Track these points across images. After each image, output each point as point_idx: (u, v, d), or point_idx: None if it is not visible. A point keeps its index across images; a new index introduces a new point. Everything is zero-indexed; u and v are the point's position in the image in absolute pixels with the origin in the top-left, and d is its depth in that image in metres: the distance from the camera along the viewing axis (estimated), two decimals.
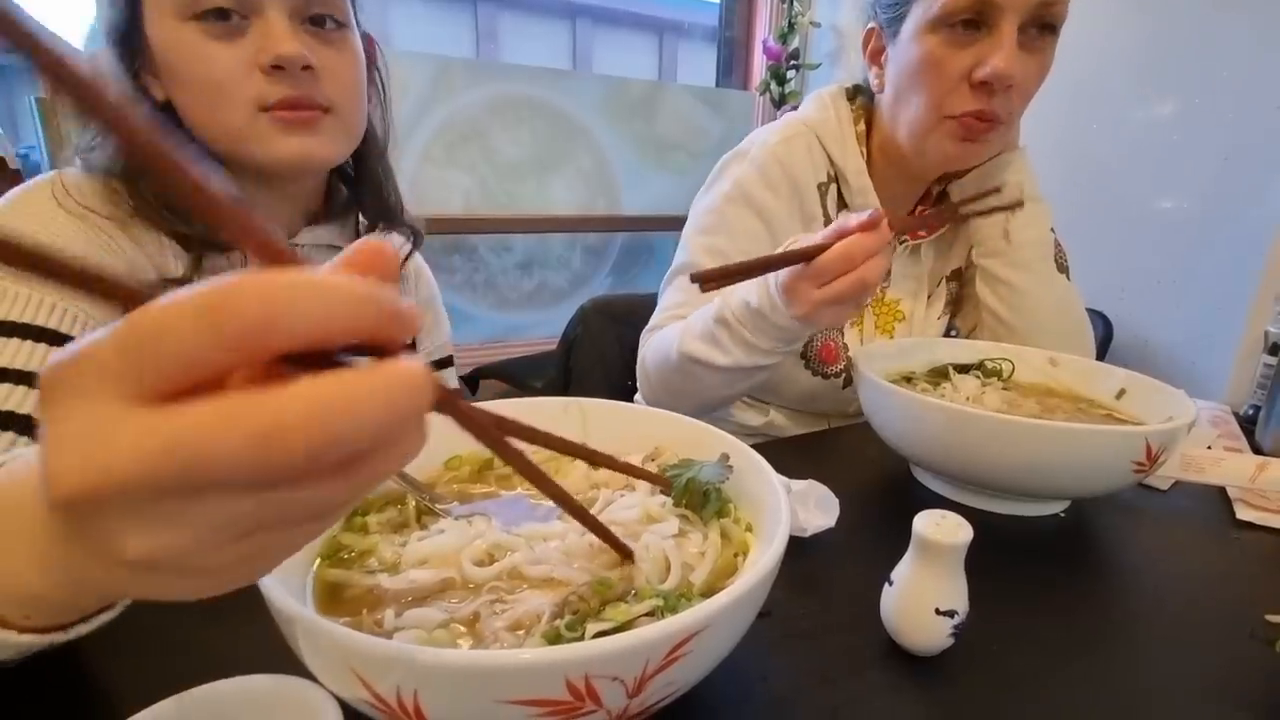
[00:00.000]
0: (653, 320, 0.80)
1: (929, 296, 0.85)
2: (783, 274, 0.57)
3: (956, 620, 0.37)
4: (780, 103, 2.13)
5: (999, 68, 0.64)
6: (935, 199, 0.83)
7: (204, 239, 0.53)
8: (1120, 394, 0.63)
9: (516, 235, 1.94)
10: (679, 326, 0.71)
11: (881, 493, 0.62)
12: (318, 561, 0.34)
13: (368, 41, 0.60)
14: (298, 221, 0.61)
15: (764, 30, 2.23)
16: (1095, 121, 1.47)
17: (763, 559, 0.28)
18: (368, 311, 0.16)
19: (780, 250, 0.57)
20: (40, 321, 0.46)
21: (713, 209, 0.78)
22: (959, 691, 0.37)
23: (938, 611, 0.36)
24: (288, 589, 0.28)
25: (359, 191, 0.65)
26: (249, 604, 0.26)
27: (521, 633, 0.29)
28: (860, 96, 0.81)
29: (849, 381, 0.80)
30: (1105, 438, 0.48)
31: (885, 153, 0.78)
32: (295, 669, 0.26)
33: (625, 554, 0.33)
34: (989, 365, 0.69)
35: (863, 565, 0.47)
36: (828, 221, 0.79)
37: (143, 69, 0.51)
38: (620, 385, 1.10)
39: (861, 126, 0.79)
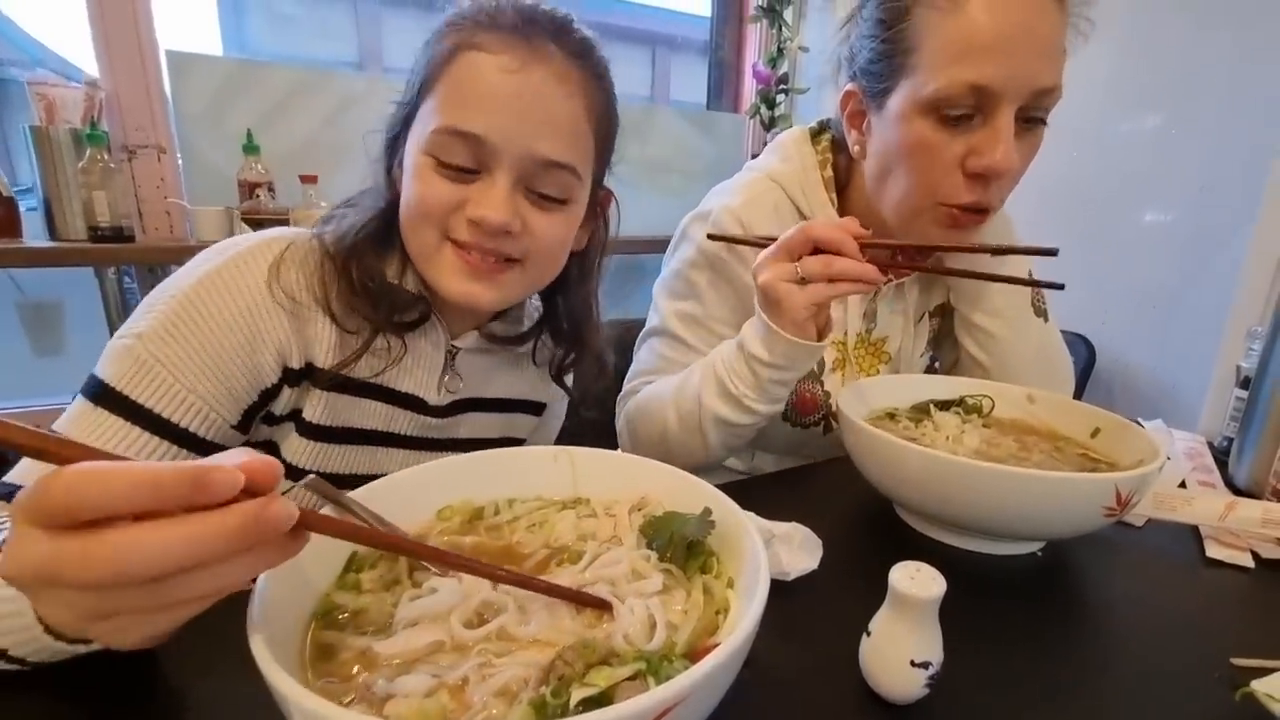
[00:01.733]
0: (627, 386, 0.81)
1: (915, 329, 0.86)
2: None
3: (931, 671, 0.38)
4: (770, 126, 2.17)
5: (998, 162, 0.62)
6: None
7: (378, 327, 0.57)
8: (1095, 432, 0.65)
9: None
10: (669, 385, 0.73)
11: (864, 532, 0.63)
12: (313, 624, 0.34)
13: (604, 196, 0.64)
14: (469, 324, 0.64)
15: (754, 54, 2.27)
16: (1076, 146, 1.50)
17: (740, 625, 0.30)
18: (143, 493, 0.23)
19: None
20: (170, 415, 0.50)
21: (679, 274, 0.79)
22: None
23: (913, 664, 0.38)
24: (285, 649, 0.29)
25: (554, 320, 0.68)
26: (242, 659, 0.27)
27: (509, 699, 0.30)
28: (826, 134, 0.80)
29: (829, 429, 0.82)
30: (1076, 485, 0.50)
31: (862, 205, 0.76)
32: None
33: (603, 607, 0.35)
34: (969, 402, 0.71)
35: (843, 611, 0.48)
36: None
37: (396, 165, 0.58)
38: (612, 408, 1.12)
39: (829, 173, 0.78)
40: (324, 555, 0.38)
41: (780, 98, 2.18)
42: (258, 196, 1.35)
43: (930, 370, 0.92)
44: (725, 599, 0.37)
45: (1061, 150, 1.52)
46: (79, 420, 0.48)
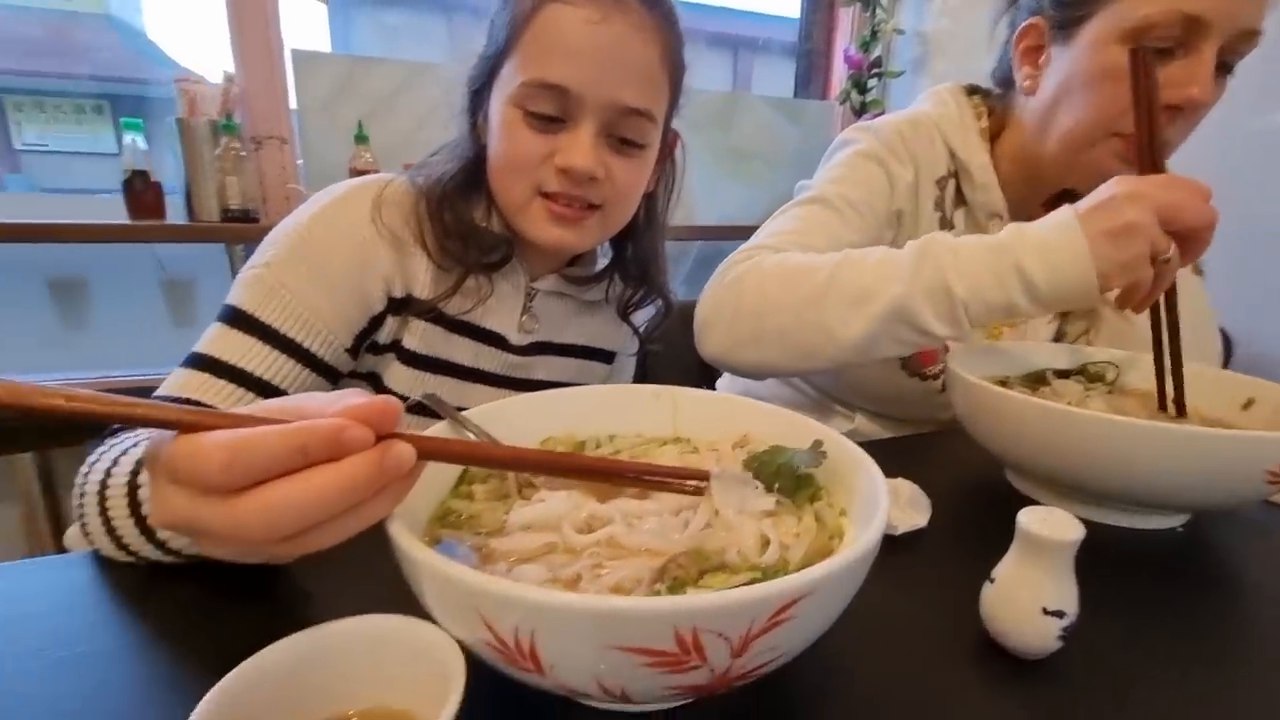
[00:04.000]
0: (758, 240, 0.71)
1: None
2: (1126, 179, 0.53)
3: (1066, 621, 0.35)
4: (861, 111, 2.10)
5: (1196, 95, 0.59)
6: (1060, 195, 0.79)
7: (468, 268, 0.60)
8: (1249, 404, 0.59)
9: None
10: (831, 255, 0.61)
11: (976, 497, 0.59)
12: (428, 525, 0.36)
13: (672, 136, 0.66)
14: (548, 268, 0.68)
15: (845, 39, 2.20)
16: (1216, 134, 1.36)
17: (866, 533, 0.28)
18: (294, 459, 0.24)
19: None
20: (294, 335, 0.54)
21: (842, 163, 0.76)
22: (1063, 695, 0.35)
23: (1045, 611, 0.35)
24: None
25: (623, 258, 0.71)
26: (364, 555, 0.29)
27: (623, 595, 0.30)
28: (977, 95, 0.78)
29: (946, 386, 0.77)
30: (1238, 443, 0.44)
31: (1017, 156, 0.74)
32: (410, 613, 0.28)
33: (702, 476, 0.36)
34: (1092, 370, 0.66)
35: (958, 564, 0.45)
36: (943, 219, 0.76)
37: (480, 118, 0.61)
38: (677, 340, 1.11)
39: (985, 123, 0.76)
40: (441, 467, 0.39)
41: (873, 82, 2.10)
42: None
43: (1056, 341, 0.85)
44: (839, 525, 0.36)
45: (1198, 132, 1.39)
46: (217, 340, 0.52)
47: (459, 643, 0.27)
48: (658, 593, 0.29)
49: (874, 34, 2.07)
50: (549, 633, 0.24)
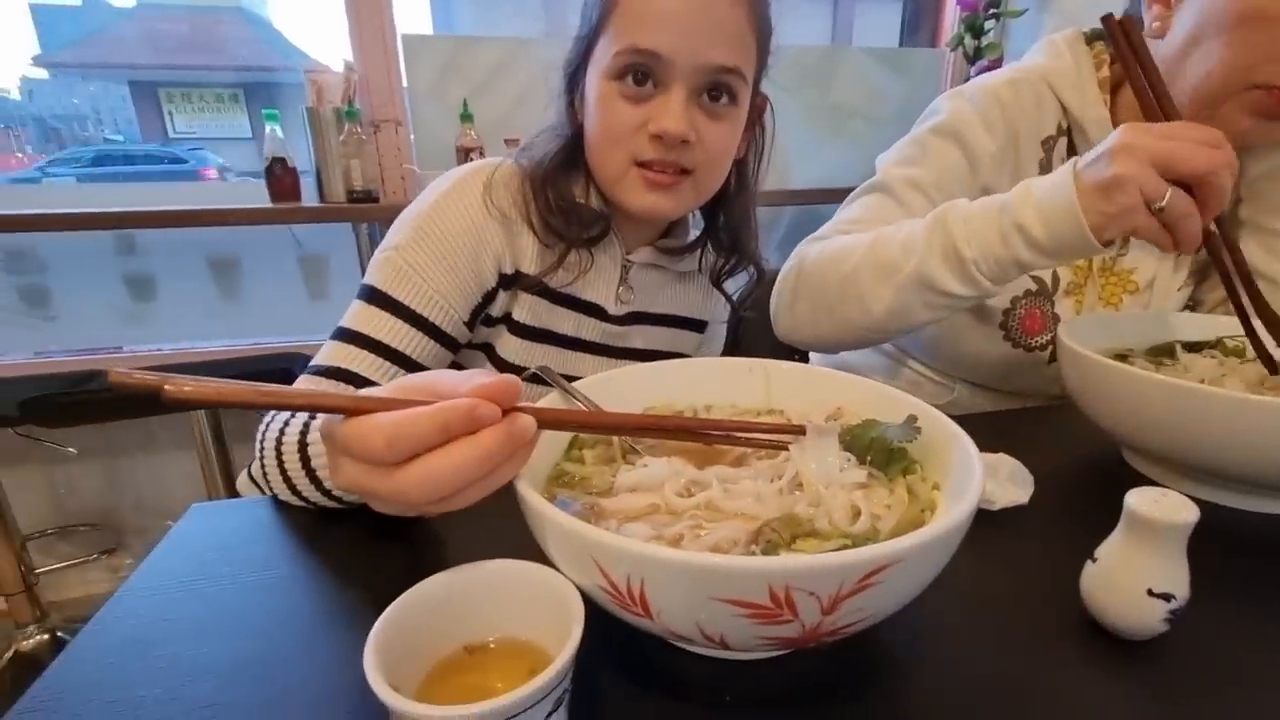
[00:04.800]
0: (820, 232, 0.75)
1: (1175, 259, 0.74)
2: (1122, 129, 0.51)
3: (1174, 605, 0.35)
4: (975, 57, 1.94)
5: None
6: None
7: (570, 243, 0.65)
8: None
9: None
10: (867, 235, 0.64)
11: (1084, 475, 0.57)
12: (546, 484, 0.40)
13: (761, 100, 0.68)
14: (642, 240, 0.71)
15: None
16: None
17: (957, 506, 0.29)
18: (438, 434, 0.29)
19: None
20: (423, 311, 0.60)
21: (916, 140, 0.74)
22: (1167, 677, 0.35)
23: (1151, 593, 0.34)
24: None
25: (714, 227, 0.73)
26: (497, 510, 0.33)
27: (720, 555, 0.33)
28: (1100, 42, 0.72)
29: (1055, 356, 0.74)
30: None
31: (1136, 106, 0.68)
32: (533, 557, 0.33)
33: (797, 430, 0.39)
34: (1229, 344, 0.60)
35: (1060, 542, 0.45)
36: None
37: (577, 98, 0.64)
38: (787, 358, 1.11)
39: (1106, 73, 0.70)
40: (554, 434, 0.43)
41: (990, 24, 1.93)
42: (471, 160, 1.52)
43: (1186, 310, 0.79)
44: (931, 499, 0.37)
45: None
46: (359, 316, 0.60)
47: (579, 589, 0.31)
48: (753, 553, 0.32)
49: None
50: (657, 582, 0.28)
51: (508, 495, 0.32)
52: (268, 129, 1.48)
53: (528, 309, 0.67)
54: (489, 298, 0.65)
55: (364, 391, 0.32)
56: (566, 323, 0.69)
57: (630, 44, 0.56)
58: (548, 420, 0.33)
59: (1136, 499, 0.35)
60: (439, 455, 0.29)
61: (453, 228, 0.61)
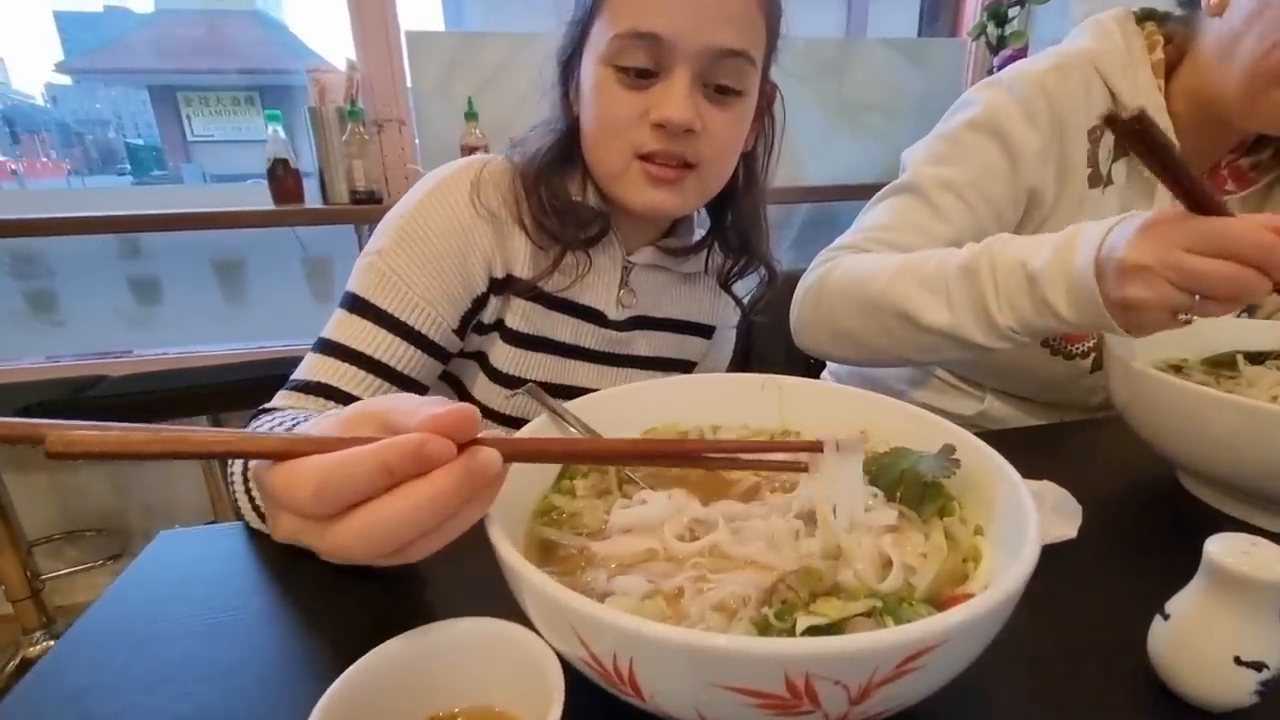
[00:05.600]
0: (844, 239, 0.70)
1: None
2: (1152, 215, 0.45)
3: (1265, 675, 0.29)
4: (998, 47, 1.86)
5: None
6: (1251, 145, 0.66)
7: (566, 245, 0.60)
8: None
9: None
10: (894, 259, 0.61)
11: (1138, 504, 0.51)
12: (531, 520, 0.36)
13: (770, 88, 0.63)
14: (643, 240, 0.66)
15: None
16: None
17: (1014, 567, 0.24)
18: (379, 480, 0.24)
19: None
20: (408, 319, 0.56)
21: (949, 135, 0.68)
22: None
23: (1239, 661, 0.29)
24: (514, 541, 0.30)
25: (721, 226, 0.68)
26: (474, 550, 0.29)
27: (728, 615, 0.28)
28: (1151, 22, 0.66)
29: (1099, 365, 0.68)
30: None
31: (1197, 93, 0.62)
32: (514, 611, 0.28)
33: (814, 448, 0.33)
34: None
35: (1118, 588, 0.39)
36: (1095, 174, 0.65)
37: (572, 89, 0.60)
38: (802, 361, 1.06)
39: (1160, 55, 0.64)
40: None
41: (1014, 10, 1.85)
42: None
43: (1243, 315, 0.72)
44: (974, 547, 0.32)
45: None
46: (340, 326, 0.55)
47: (560, 656, 0.26)
48: (765, 617, 0.27)
49: None
50: (649, 662, 0.23)
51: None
52: (269, 130, 1.45)
53: (522, 315, 0.62)
54: (479, 304, 0.61)
55: (301, 429, 0.28)
56: (564, 329, 0.65)
57: (629, 26, 0.52)
58: (516, 453, 0.28)
59: (1221, 548, 0.30)
60: (382, 504, 0.25)
61: (438, 229, 0.57)
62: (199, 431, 0.25)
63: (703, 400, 0.45)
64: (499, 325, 0.63)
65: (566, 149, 0.60)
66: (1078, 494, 0.46)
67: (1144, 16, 0.66)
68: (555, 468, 0.39)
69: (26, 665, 1.47)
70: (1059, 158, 0.65)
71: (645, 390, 0.45)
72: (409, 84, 1.57)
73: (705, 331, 0.75)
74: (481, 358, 0.65)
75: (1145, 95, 0.63)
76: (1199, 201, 0.44)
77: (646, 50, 0.52)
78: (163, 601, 0.41)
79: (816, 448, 0.33)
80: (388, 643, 0.27)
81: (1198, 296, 0.43)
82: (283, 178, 1.47)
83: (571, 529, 0.35)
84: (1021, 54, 1.81)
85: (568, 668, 0.26)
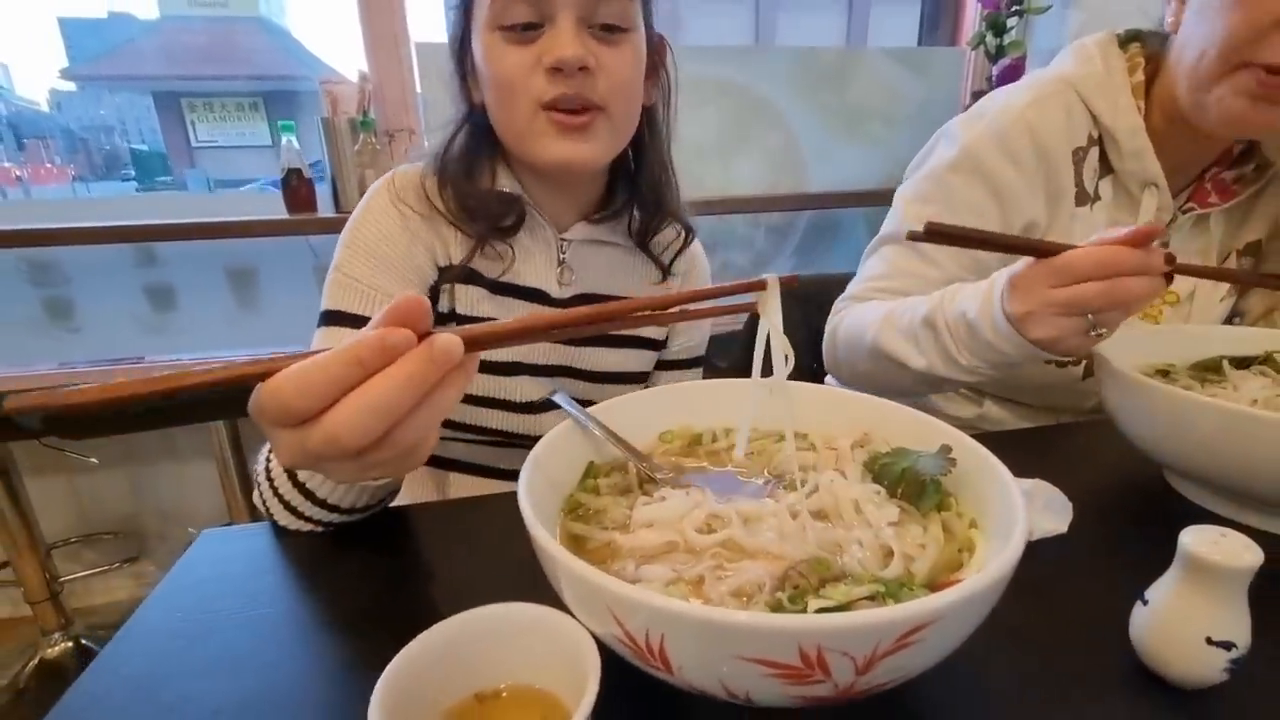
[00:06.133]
0: (851, 289, 0.76)
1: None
2: (1016, 267, 0.52)
3: (1235, 654, 0.32)
4: (997, 56, 1.89)
5: None
6: (1236, 159, 0.69)
7: (481, 235, 0.62)
8: None
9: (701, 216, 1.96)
10: (880, 311, 0.67)
11: (1126, 501, 0.54)
12: (561, 516, 0.39)
13: (659, 42, 0.65)
14: (573, 216, 0.68)
15: None
16: None
17: (1003, 553, 0.27)
18: (352, 371, 0.28)
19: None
20: (369, 314, 0.58)
21: (933, 175, 0.71)
22: None
23: (1210, 641, 0.32)
24: (548, 532, 0.33)
25: (636, 188, 0.69)
26: (513, 546, 0.31)
27: (745, 600, 0.31)
28: (1136, 43, 0.69)
29: (1089, 372, 0.71)
30: None
31: (1170, 106, 0.66)
32: (545, 597, 0.31)
33: (758, 287, 0.38)
34: (1279, 359, 0.57)
35: (1104, 578, 0.42)
36: (1082, 193, 0.69)
37: (469, 74, 0.62)
38: (806, 367, 1.09)
39: (1140, 77, 0.67)
40: (569, 463, 0.42)
41: (1013, 20, 1.88)
42: None
43: (1230, 323, 0.75)
44: (969, 538, 0.35)
45: None
46: (323, 340, 0.60)
47: (595, 636, 0.29)
48: (779, 600, 0.30)
49: None
50: (678, 637, 0.26)
51: (524, 530, 0.31)
52: (284, 140, 1.49)
53: (469, 302, 0.65)
54: (434, 294, 0.64)
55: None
56: (511, 311, 0.67)
57: None
58: (474, 337, 0.31)
59: (1193, 539, 0.33)
60: (360, 391, 0.28)
61: (380, 233, 0.61)
62: (181, 371, 0.28)
63: (715, 404, 0.48)
64: (453, 314, 0.66)
65: (473, 138, 0.63)
66: (1070, 492, 0.49)
67: (1129, 38, 0.69)
68: (579, 471, 0.42)
69: (45, 666, 1.50)
70: (1047, 184, 0.68)
71: (661, 395, 0.48)
72: (419, 93, 1.61)
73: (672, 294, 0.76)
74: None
75: (1125, 117, 0.66)
76: (1035, 250, 0.51)
77: (527, 3, 0.55)
78: (210, 597, 0.44)
79: (760, 286, 0.38)
80: (438, 625, 0.30)
81: (1089, 315, 0.49)
82: (296, 187, 1.50)
83: (598, 524, 0.38)
84: (1020, 63, 1.84)
85: (601, 648, 0.29)
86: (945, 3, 2.16)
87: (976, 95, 1.96)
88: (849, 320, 0.72)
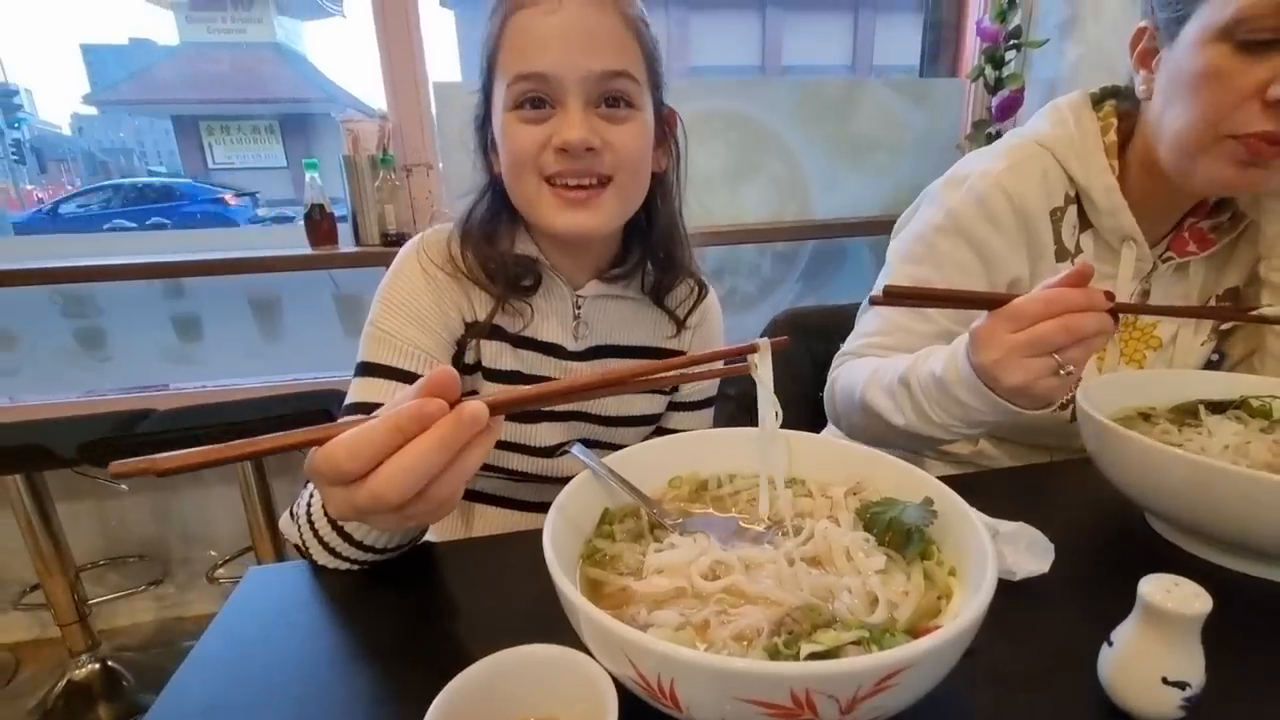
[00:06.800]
0: (847, 344, 0.80)
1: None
2: (978, 322, 0.56)
3: (1189, 693, 0.36)
4: (995, 88, 1.94)
5: None
6: (1211, 209, 0.73)
7: (502, 294, 0.68)
8: None
9: (709, 245, 2.01)
10: (869, 368, 0.71)
11: (1107, 541, 0.58)
12: (580, 562, 0.43)
13: (669, 114, 0.71)
14: (587, 275, 0.72)
15: (978, 10, 2.04)
16: None
17: (972, 603, 0.31)
18: (393, 438, 0.34)
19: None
20: (411, 368, 0.65)
21: (921, 237, 0.75)
22: None
23: (1165, 681, 0.36)
24: (569, 579, 0.37)
25: (650, 247, 0.74)
26: (530, 577, 0.36)
27: (745, 643, 0.35)
28: (1110, 100, 0.73)
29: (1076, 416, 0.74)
30: None
31: (1144, 165, 0.70)
32: (566, 638, 0.35)
33: (750, 350, 0.44)
34: (1254, 404, 0.61)
35: (1080, 617, 0.46)
36: (1061, 250, 0.73)
37: (491, 147, 0.68)
38: (812, 397, 1.12)
39: (1113, 137, 0.71)
40: (586, 510, 0.46)
41: (1011, 54, 1.93)
42: None
43: (1211, 366, 0.79)
44: (948, 585, 0.38)
45: None
46: (359, 389, 0.64)
47: (612, 676, 0.33)
48: (775, 645, 0.34)
49: (1012, 2, 1.90)
50: (685, 680, 0.30)
51: (546, 567, 0.35)
52: (307, 177, 1.55)
53: (494, 355, 0.70)
54: (461, 346, 0.69)
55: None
56: (531, 364, 0.72)
57: (517, 72, 0.60)
58: (498, 403, 0.37)
59: (1150, 587, 0.36)
60: (400, 453, 0.34)
61: (411, 290, 0.66)
62: (255, 440, 0.34)
63: (720, 452, 0.52)
64: (479, 365, 0.71)
65: (493, 206, 0.69)
66: (1053, 532, 0.52)
67: (1103, 97, 0.73)
68: (594, 518, 0.47)
69: (73, 687, 1.54)
70: (1029, 244, 0.72)
71: (671, 444, 0.52)
72: (435, 129, 1.68)
73: (674, 357, 0.80)
74: (473, 395, 0.72)
75: (1099, 177, 0.70)
76: (987, 302, 0.55)
77: (537, 87, 0.60)
78: (265, 628, 0.48)
79: (753, 349, 0.43)
80: (477, 663, 0.34)
81: (1055, 355, 0.52)
82: (319, 221, 1.57)
83: (614, 569, 0.42)
84: (1019, 95, 1.89)
85: (618, 685, 0.33)
86: (946, 35, 2.22)
87: (977, 125, 2.01)
88: (844, 376, 0.76)
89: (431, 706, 0.32)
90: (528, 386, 0.41)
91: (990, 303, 0.55)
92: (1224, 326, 0.76)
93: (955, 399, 0.60)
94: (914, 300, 0.54)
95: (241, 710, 0.41)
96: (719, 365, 0.46)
